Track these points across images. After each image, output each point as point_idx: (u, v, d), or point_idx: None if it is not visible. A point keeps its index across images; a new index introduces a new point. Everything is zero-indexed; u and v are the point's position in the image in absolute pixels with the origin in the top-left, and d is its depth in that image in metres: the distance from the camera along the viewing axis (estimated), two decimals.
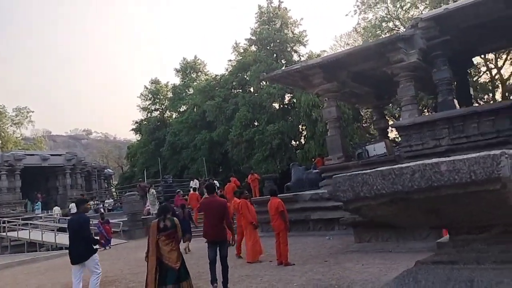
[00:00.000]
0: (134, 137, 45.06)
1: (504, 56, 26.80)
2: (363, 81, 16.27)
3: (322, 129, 26.63)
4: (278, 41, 31.29)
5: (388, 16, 31.08)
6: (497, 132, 11.71)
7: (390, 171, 1.75)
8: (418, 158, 12.87)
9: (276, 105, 30.90)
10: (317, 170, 16.02)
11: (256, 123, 30.50)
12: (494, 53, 23.63)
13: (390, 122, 22.40)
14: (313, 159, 26.21)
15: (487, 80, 28.99)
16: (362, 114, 29.58)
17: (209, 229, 6.86)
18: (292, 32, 32.69)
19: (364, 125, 31.80)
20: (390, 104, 22.17)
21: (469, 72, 19.57)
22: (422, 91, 17.88)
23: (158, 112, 41.92)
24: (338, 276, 7.11)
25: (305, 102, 27.07)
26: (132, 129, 42.74)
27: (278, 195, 8.82)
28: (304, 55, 31.70)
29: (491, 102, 26.29)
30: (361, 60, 13.86)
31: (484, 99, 28.16)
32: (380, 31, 29.62)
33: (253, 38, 32.63)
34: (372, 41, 15.14)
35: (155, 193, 21.73)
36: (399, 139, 28.12)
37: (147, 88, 42.20)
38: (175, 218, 6.11)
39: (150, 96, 41.79)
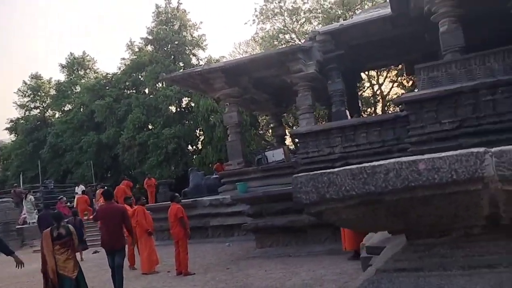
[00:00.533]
0: (7, 137, 40.04)
1: (384, 74, 29.67)
2: (263, 88, 16.56)
3: (220, 134, 26.55)
4: (176, 42, 30.55)
5: (285, 28, 32.37)
6: (383, 142, 12.74)
7: (361, 170, 1.57)
8: (314, 164, 13.41)
9: (173, 109, 30.04)
10: (216, 176, 15.80)
11: (150, 126, 29.28)
12: (376, 70, 25.94)
13: (287, 130, 23.22)
14: (210, 165, 25.90)
15: (370, 95, 31.82)
16: (259, 121, 30.23)
17: (107, 237, 6.27)
18: (191, 35, 32.21)
19: (260, 132, 32.55)
20: (285, 114, 22.95)
21: (358, 85, 21.20)
22: (318, 101, 18.79)
23: (38, 110, 37.88)
24: (242, 283, 6.93)
25: (204, 107, 26.75)
26: (6, 128, 37.96)
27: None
28: (203, 59, 31.41)
29: (373, 114, 28.87)
30: (263, 67, 14.06)
31: (367, 112, 30.80)
32: (277, 42, 30.69)
33: (150, 37, 31.40)
34: (274, 50, 15.46)
35: (33, 199, 19.43)
36: (295, 146, 29.41)
37: (26, 83, 37.91)
38: (70, 225, 5.49)
39: (29, 92, 37.59)
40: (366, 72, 25.38)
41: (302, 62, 13.48)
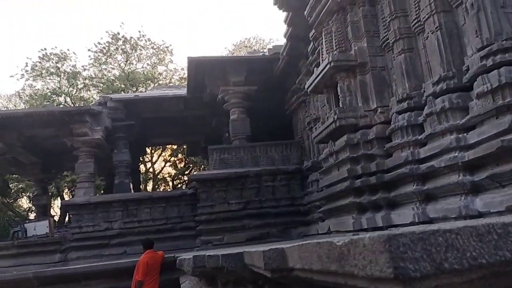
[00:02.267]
0: None
1: (159, 152, 30.09)
2: (32, 149, 14.24)
3: None
4: None
5: (60, 90, 29.80)
6: (166, 219, 12.40)
7: (488, 229, 1.16)
8: (88, 240, 11.88)
9: None
10: None
11: None
12: (160, 146, 26.09)
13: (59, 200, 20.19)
14: None
15: (143, 171, 31.49)
16: (10, 186, 25.54)
17: None
18: None
19: (9, 200, 27.44)
20: (52, 181, 20.10)
21: (141, 160, 20.65)
22: (98, 170, 17.25)
23: None
24: None
25: None
26: None
27: None
28: None
29: (145, 191, 28.38)
30: (40, 125, 12.18)
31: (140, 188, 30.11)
32: (49, 103, 27.74)
33: None
34: (58, 108, 13.75)
35: None
36: (63, 218, 25.75)
37: None
38: None
39: None
40: (149, 148, 25.16)
41: (89, 126, 12.35)
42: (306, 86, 7.76)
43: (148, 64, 32.56)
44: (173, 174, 32.25)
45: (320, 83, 7.05)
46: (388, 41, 6.00)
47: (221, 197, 10.31)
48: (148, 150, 29.40)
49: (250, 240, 9.90)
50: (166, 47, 32.29)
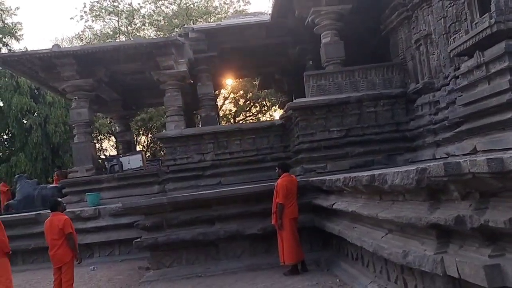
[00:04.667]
0: None
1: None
2: (115, 86, 14.35)
3: (38, 139, 22.29)
4: None
5: (119, 30, 29.75)
6: (257, 150, 12.29)
7: None
8: (183, 172, 12.07)
9: None
10: (54, 185, 12.74)
11: None
12: (234, 79, 25.57)
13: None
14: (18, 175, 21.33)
15: None
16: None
17: None
18: (3, 21, 26.59)
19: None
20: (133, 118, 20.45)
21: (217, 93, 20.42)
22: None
23: None
24: None
25: (18, 106, 22.06)
26: None
27: None
28: (16, 50, 26.15)
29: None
30: (126, 59, 12.09)
31: None
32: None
33: None
34: (145, 39, 13.56)
35: None
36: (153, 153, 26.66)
37: None
38: None
39: None
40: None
41: (174, 58, 12.10)
42: None
43: None
44: (233, 111, 32.14)
45: None
46: None
47: (321, 124, 9.89)
48: None
49: (354, 168, 9.54)
50: None
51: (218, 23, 13.81)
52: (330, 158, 9.74)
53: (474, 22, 5.95)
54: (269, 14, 14.48)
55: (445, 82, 8.29)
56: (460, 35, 6.30)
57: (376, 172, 3.72)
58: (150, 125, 27.44)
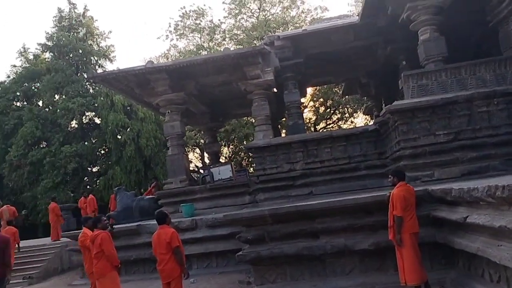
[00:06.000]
0: None
1: None
2: (203, 98, 14.60)
3: (132, 153, 23.62)
4: (80, 51, 26.91)
5: (202, 46, 30.79)
6: (349, 158, 11.68)
7: None
8: (273, 182, 11.80)
9: (75, 124, 26.09)
10: (151, 196, 13.19)
11: (45, 143, 24.94)
12: (319, 86, 25.24)
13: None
14: (117, 187, 22.62)
15: None
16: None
17: None
18: (98, 45, 28.85)
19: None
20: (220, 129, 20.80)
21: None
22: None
23: None
24: None
25: (113, 122, 23.61)
26: None
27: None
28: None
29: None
30: (214, 71, 12.20)
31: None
32: None
33: (49, 44, 27.25)
34: (232, 50, 13.70)
35: None
36: (240, 164, 27.09)
37: None
38: None
39: None
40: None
41: (260, 67, 11.96)
42: None
43: (280, 9, 31.63)
44: (313, 120, 31.52)
45: None
46: None
47: (424, 128, 9.04)
48: None
49: (466, 175, 8.56)
50: None
51: (304, 29, 13.49)
52: (437, 164, 8.85)
53: None
54: (356, 15, 13.92)
55: None
56: None
57: None
58: (233, 136, 27.87)
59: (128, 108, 24.90)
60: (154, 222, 10.10)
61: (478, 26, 10.54)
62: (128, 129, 24.29)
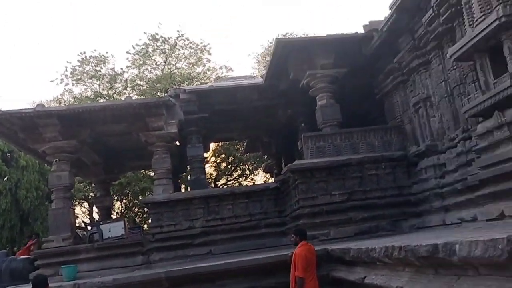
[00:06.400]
0: None
1: None
2: (97, 148, 13.68)
3: (6, 206, 20.83)
4: None
5: (100, 93, 29.50)
6: (250, 216, 11.61)
7: None
8: (170, 241, 11.17)
9: None
10: (26, 257, 11.52)
11: None
12: (221, 142, 25.08)
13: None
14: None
15: None
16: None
17: None
18: None
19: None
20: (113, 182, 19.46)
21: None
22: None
23: None
24: None
25: None
26: None
27: None
28: None
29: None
30: (113, 119, 11.55)
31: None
32: None
33: None
34: (135, 100, 13.16)
35: None
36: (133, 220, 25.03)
37: None
38: None
39: None
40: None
41: (164, 119, 11.66)
42: (449, 54, 6.81)
43: (186, 64, 32.07)
44: (214, 175, 31.46)
45: (472, 48, 6.10)
46: None
47: (322, 187, 9.43)
48: None
49: (358, 235, 8.99)
50: (204, 46, 31.57)
51: (210, 85, 13.67)
52: (333, 223, 9.18)
53: (493, 82, 5.81)
54: (261, 77, 14.55)
55: (451, 144, 8.09)
56: (476, 95, 6.13)
57: (439, 241, 3.20)
58: (128, 190, 26.40)
59: (8, 154, 22.32)
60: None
61: (368, 96, 11.61)
62: (5, 178, 21.63)
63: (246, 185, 26.40)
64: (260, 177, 31.20)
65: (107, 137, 12.87)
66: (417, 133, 9.49)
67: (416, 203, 9.26)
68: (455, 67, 7.73)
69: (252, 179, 31.38)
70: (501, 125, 5.69)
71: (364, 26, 10.25)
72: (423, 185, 9.00)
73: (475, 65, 6.39)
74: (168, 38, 30.22)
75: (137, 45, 29.72)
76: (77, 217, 27.87)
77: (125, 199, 28.48)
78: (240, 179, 31.49)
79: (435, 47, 8.32)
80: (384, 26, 9.39)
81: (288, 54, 10.68)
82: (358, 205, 9.33)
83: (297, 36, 11.24)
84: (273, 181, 13.37)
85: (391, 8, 8.89)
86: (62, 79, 30.00)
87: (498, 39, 5.71)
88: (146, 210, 19.86)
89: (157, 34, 29.58)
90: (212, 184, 30.25)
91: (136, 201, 26.05)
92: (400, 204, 9.41)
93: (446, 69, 8.17)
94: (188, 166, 13.73)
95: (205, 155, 26.81)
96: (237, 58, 51.38)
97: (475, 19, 6.06)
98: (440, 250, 3.09)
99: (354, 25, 51.62)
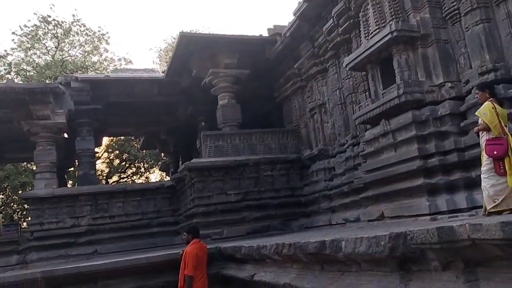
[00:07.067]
0: None
1: None
2: None
3: None
4: None
5: None
6: (142, 214, 11.14)
7: None
8: (51, 239, 10.26)
9: None
10: None
11: None
12: (115, 137, 23.78)
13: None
14: None
15: None
16: None
17: None
18: None
19: None
20: None
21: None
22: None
23: None
24: None
25: None
26: None
27: None
28: None
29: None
30: None
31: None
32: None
33: None
34: (19, 84, 11.74)
35: None
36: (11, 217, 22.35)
37: None
38: None
39: None
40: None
41: (51, 108, 10.66)
42: (345, 63, 7.21)
43: (81, 52, 29.89)
44: (106, 172, 29.74)
45: (366, 59, 6.56)
46: (455, 12, 5.69)
47: (218, 187, 9.37)
48: None
49: (251, 233, 9.11)
50: (102, 34, 29.81)
51: (106, 75, 12.81)
52: (227, 223, 9.18)
53: (382, 92, 6.29)
54: (162, 72, 14.08)
55: (341, 149, 8.60)
56: (366, 104, 6.59)
57: (327, 238, 3.30)
58: (6, 185, 23.70)
59: None
60: None
61: (268, 99, 11.87)
62: None
63: (140, 183, 25.43)
64: (156, 176, 30.30)
65: None
66: (311, 137, 9.94)
67: (306, 203, 9.68)
68: (349, 76, 8.24)
69: (147, 178, 30.33)
70: (386, 132, 6.18)
71: (269, 30, 10.49)
72: (314, 187, 9.43)
73: (367, 75, 6.86)
74: (62, 22, 27.89)
75: (25, 26, 27.00)
76: None
77: (3, 194, 25.62)
78: (134, 177, 30.22)
79: (333, 56, 8.79)
80: (287, 32, 9.68)
81: (192, 50, 10.46)
82: (253, 205, 9.46)
83: (203, 33, 11.06)
84: (170, 179, 12.98)
85: (294, 14, 9.19)
86: None
87: (389, 52, 6.19)
88: (26, 207, 18.01)
89: (49, 16, 27.11)
90: (103, 181, 28.48)
91: (15, 196, 23.52)
92: (292, 204, 9.76)
93: (341, 78, 8.67)
94: (77, 161, 12.70)
95: (97, 149, 25.25)
96: (138, 51, 49.41)
97: (371, 32, 6.51)
98: (327, 247, 3.21)
99: (260, 28, 53.06)
